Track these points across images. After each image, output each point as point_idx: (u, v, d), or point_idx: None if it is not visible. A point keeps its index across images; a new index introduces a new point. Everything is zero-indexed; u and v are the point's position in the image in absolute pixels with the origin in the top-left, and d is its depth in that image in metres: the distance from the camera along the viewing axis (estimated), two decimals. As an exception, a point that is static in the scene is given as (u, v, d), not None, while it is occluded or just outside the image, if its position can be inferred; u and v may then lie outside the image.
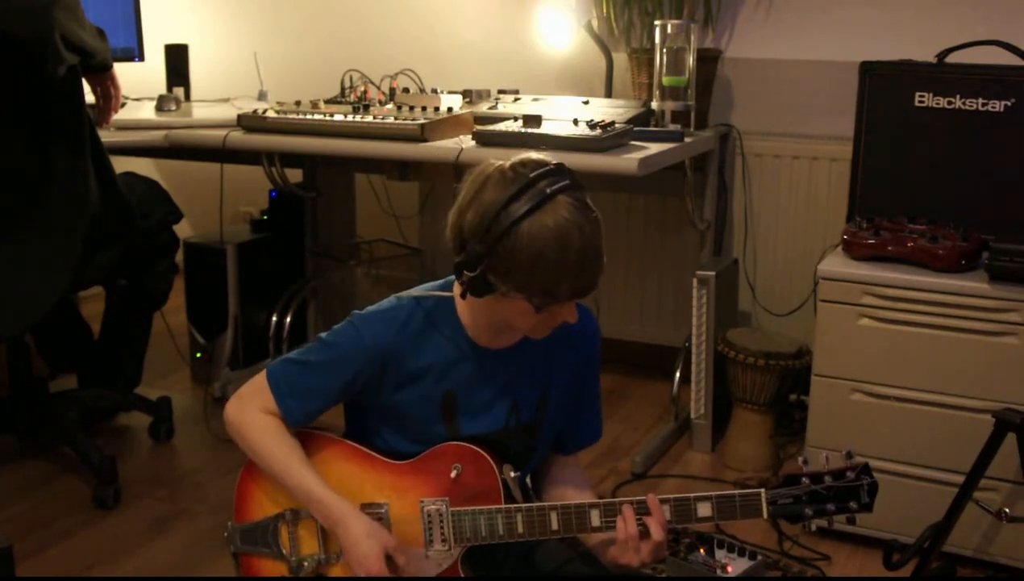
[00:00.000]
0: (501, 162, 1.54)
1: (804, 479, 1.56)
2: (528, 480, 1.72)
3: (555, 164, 1.54)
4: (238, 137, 3.00)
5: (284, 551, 1.73)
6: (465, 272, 1.52)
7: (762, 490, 1.57)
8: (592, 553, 1.72)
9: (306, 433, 1.72)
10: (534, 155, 1.56)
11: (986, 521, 2.40)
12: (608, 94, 3.54)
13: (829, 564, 2.53)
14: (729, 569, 2.35)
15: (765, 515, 1.57)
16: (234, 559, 1.80)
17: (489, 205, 1.49)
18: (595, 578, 1.74)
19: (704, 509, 1.59)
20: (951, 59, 2.75)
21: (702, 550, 2.40)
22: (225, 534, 1.79)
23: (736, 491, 1.59)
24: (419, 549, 1.66)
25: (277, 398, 1.67)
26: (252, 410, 1.69)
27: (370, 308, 1.69)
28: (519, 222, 1.47)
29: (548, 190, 1.48)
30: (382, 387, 1.67)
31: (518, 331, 1.65)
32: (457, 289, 1.65)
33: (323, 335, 1.69)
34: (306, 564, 1.71)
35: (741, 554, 2.39)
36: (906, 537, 2.31)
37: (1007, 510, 2.34)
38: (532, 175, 1.50)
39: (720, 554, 2.40)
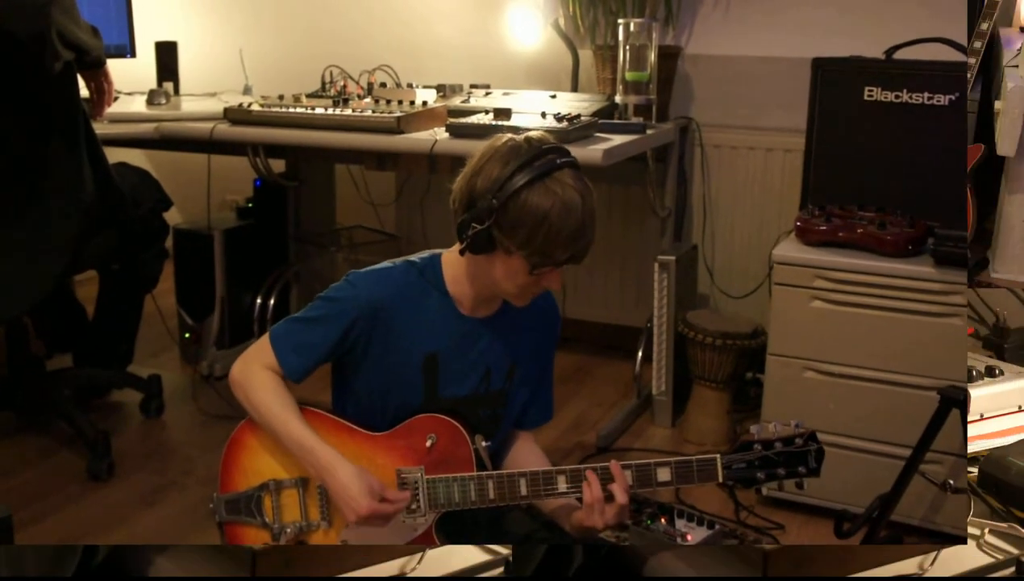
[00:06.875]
0: (512, 136, 1.66)
1: (756, 445, 1.63)
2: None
3: (559, 144, 1.67)
4: (224, 129, 3.04)
5: (267, 519, 1.77)
6: (473, 225, 1.62)
7: (717, 455, 1.63)
8: (553, 520, 1.79)
9: None
10: (545, 134, 1.68)
11: (931, 492, 2.46)
12: (574, 88, 3.57)
13: (783, 533, 2.61)
14: (689, 537, 2.42)
15: (720, 479, 1.63)
16: (219, 528, 1.83)
17: (504, 167, 1.60)
18: (566, 544, 1.76)
19: (663, 474, 1.64)
20: (899, 56, 2.82)
21: (663, 520, 2.47)
22: (211, 505, 1.82)
23: (694, 456, 1.64)
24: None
25: (278, 354, 1.73)
26: (255, 368, 1.75)
27: (366, 268, 1.77)
28: (531, 184, 1.58)
29: (558, 161, 1.62)
30: (371, 343, 1.73)
31: (502, 296, 1.75)
32: (446, 256, 1.77)
33: (321, 293, 1.76)
34: (288, 531, 1.76)
35: (700, 523, 2.46)
36: (856, 507, 2.31)
37: (951, 482, 2.38)
38: (544, 148, 1.63)
39: (680, 523, 2.46)
